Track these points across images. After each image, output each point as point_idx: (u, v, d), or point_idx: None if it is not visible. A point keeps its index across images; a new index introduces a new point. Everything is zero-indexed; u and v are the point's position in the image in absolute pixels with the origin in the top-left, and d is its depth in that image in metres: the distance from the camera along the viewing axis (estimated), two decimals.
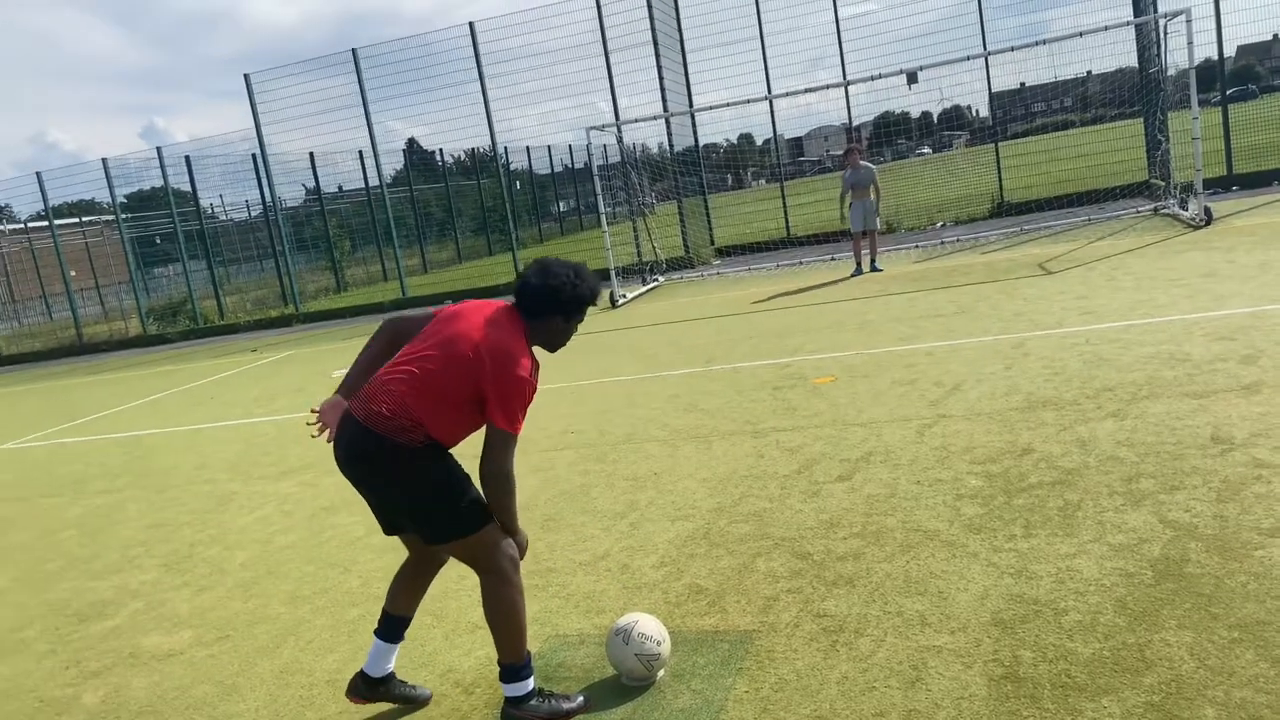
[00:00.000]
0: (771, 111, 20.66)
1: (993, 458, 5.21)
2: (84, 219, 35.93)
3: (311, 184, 29.14)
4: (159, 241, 31.36)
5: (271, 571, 5.29)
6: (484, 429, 3.17)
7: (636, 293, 15.90)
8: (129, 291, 26.57)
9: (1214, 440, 4.90)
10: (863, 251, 14.14)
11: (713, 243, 20.83)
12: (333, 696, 3.72)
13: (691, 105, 20.08)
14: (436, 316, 3.40)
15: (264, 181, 23.11)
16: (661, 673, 3.43)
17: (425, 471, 3.14)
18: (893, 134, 26.82)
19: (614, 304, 14.84)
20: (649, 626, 3.40)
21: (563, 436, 7.22)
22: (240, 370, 14.76)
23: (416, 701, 3.52)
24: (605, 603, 4.17)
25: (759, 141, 36.36)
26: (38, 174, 23.36)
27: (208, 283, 25.34)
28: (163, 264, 31.94)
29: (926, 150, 38.45)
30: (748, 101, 17.66)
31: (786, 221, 20.73)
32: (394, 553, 5.24)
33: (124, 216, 25.52)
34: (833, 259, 16.13)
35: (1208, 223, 12.74)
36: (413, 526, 3.28)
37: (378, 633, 3.51)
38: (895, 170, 26.94)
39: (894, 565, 4.07)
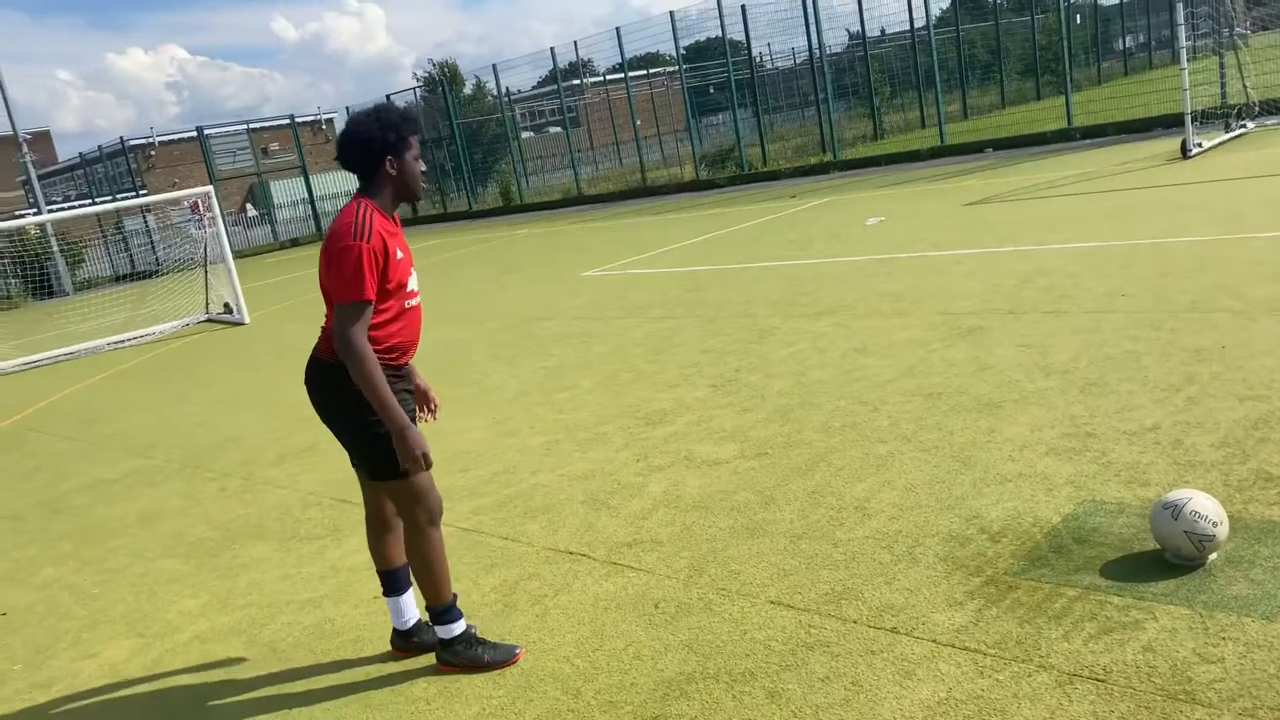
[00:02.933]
0: None
1: None
2: (650, 70, 39.49)
3: (855, 28, 29.00)
4: (712, 91, 33.53)
5: (805, 402, 5.67)
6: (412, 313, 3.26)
7: (1215, 141, 13.78)
8: (685, 139, 28.96)
9: None
10: None
11: None
12: (860, 521, 3.95)
13: None
14: None
15: (811, 28, 23.46)
16: (1213, 556, 3.15)
17: (358, 397, 3.06)
18: None
19: (1185, 154, 13.02)
20: (1204, 505, 3.11)
21: (1110, 299, 6.66)
22: (780, 215, 15.53)
23: None
24: (1151, 476, 3.87)
25: None
26: (617, 30, 26.00)
27: (754, 131, 26.70)
28: (714, 113, 34.18)
29: None
30: None
31: None
32: (922, 398, 5.33)
33: (685, 68, 27.60)
34: None
35: None
36: (351, 457, 3.31)
37: (384, 592, 3.53)
38: None
39: None
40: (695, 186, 24.45)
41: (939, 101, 22.22)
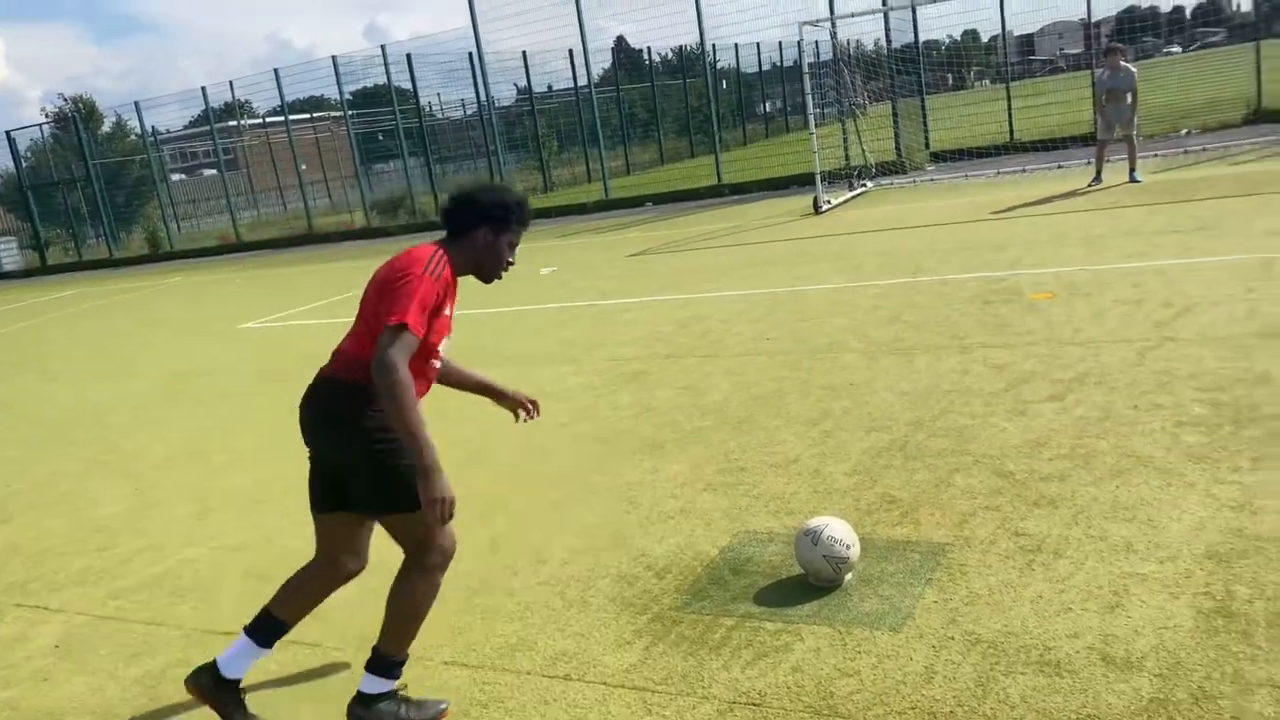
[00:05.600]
0: (1001, 6, 19.33)
1: (1222, 385, 4.85)
2: (315, 115, 38.16)
3: (523, 83, 29.78)
4: (381, 138, 32.98)
5: (483, 450, 5.63)
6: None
7: (842, 198, 15.49)
8: (354, 186, 28.20)
9: None
10: (1106, 160, 13.05)
11: (928, 147, 19.92)
12: (535, 569, 3.96)
13: None
14: None
15: (479, 80, 23.78)
16: (849, 576, 3.46)
17: (381, 419, 2.82)
18: (1137, 31, 24.59)
19: (817, 209, 14.52)
20: (839, 530, 3.42)
21: (757, 343, 7.23)
22: None
23: None
24: (795, 505, 4.21)
25: (985, 38, 34.21)
26: (275, 71, 24.89)
27: (425, 179, 26.53)
28: (384, 160, 33.61)
29: (1175, 49, 35.15)
30: None
31: (1010, 125, 19.51)
32: (593, 442, 5.47)
33: (350, 113, 26.94)
34: (1060, 167, 15.11)
35: None
36: (356, 489, 2.95)
37: (249, 629, 3.14)
38: (1139, 71, 24.68)
39: (1102, 490, 3.90)
40: (366, 234, 23.85)
41: (603, 157, 23.26)
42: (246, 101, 32.21)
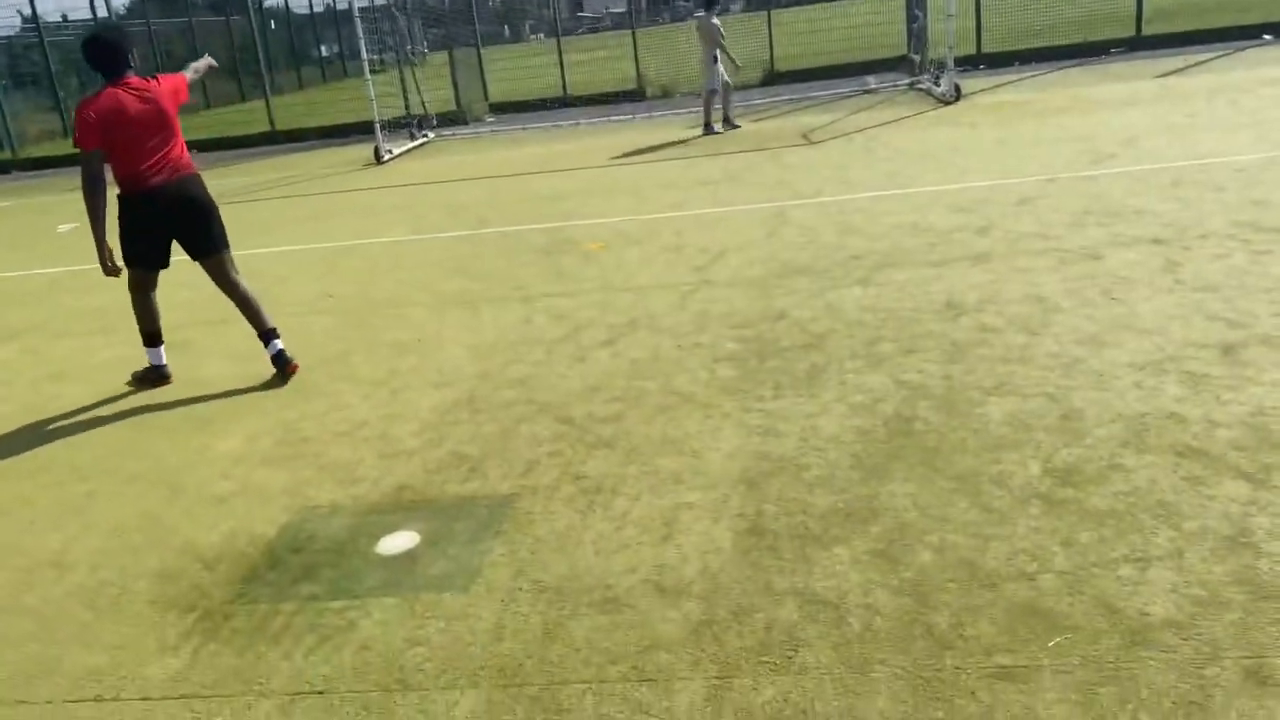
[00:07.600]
0: None
1: (749, 323, 5.38)
2: None
3: (28, 10, 25.60)
4: None
5: None
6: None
7: (404, 149, 15.16)
8: None
9: (948, 306, 5.26)
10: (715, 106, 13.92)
11: (486, 98, 20.07)
12: (56, 578, 3.43)
13: None
14: (112, 122, 4.81)
15: None
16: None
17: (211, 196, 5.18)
18: None
19: (379, 160, 14.09)
20: None
21: (319, 301, 6.86)
22: None
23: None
24: (361, 472, 4.03)
25: None
26: None
27: None
28: None
29: (702, 14, 38.28)
30: None
31: (564, 80, 20.21)
32: (129, 424, 4.86)
33: None
34: (609, 120, 15.94)
35: (957, 99, 13.47)
36: (210, 243, 5.17)
37: (158, 342, 5.42)
38: (674, 33, 26.70)
39: (652, 427, 4.16)
40: None
41: None
42: None
